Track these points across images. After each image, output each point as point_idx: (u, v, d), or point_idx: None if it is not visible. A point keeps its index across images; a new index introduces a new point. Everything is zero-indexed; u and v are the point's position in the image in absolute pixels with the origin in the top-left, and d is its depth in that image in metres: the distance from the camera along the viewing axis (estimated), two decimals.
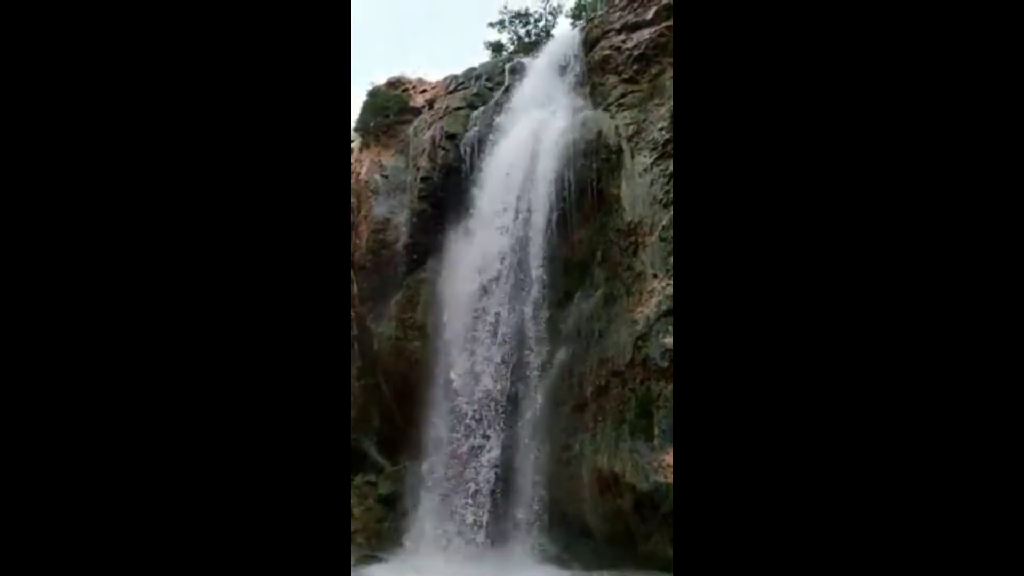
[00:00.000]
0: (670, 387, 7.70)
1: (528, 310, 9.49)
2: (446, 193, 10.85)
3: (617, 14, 10.16)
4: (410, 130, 12.00)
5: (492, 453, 9.28)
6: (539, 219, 9.55)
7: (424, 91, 12.51)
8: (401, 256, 11.31)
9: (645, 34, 9.69)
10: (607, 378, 8.55)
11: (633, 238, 8.88)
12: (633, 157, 9.22)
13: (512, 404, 9.33)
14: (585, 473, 8.53)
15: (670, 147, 8.76)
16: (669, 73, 9.15)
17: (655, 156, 8.99)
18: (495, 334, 9.62)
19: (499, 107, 11.05)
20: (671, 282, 8.09)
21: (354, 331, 11.14)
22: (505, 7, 14.04)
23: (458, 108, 11.49)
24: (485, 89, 11.66)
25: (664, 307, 8.13)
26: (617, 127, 9.48)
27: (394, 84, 12.80)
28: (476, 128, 10.97)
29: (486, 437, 9.35)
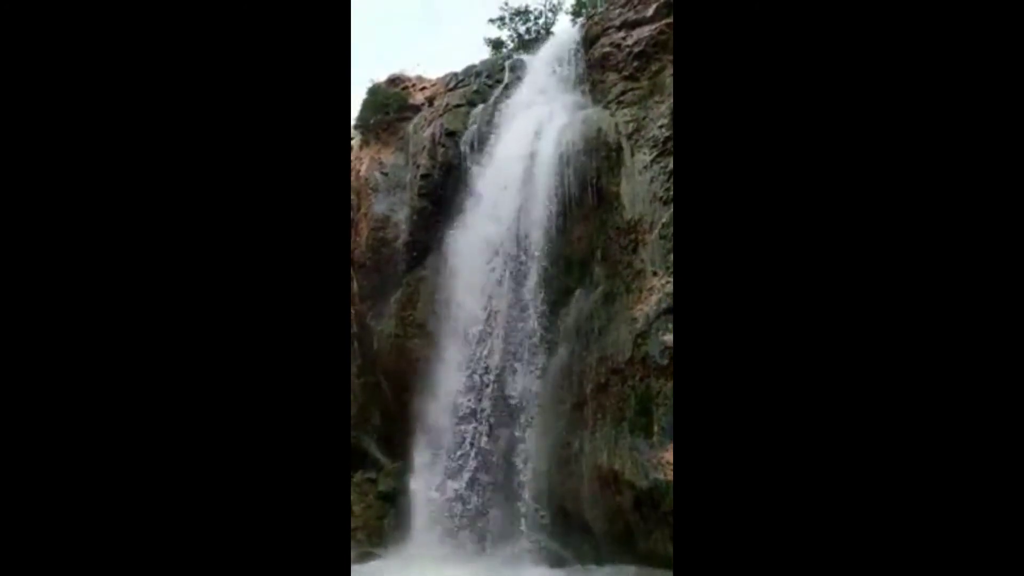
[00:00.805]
0: (670, 385, 7.70)
1: (528, 307, 9.49)
2: (446, 190, 10.84)
3: (617, 11, 10.16)
4: (410, 127, 11.97)
5: (492, 450, 9.28)
6: (539, 216, 9.54)
7: (424, 88, 12.47)
8: (401, 254, 11.29)
9: (645, 31, 9.69)
10: (607, 376, 8.55)
11: (633, 235, 8.88)
12: (633, 154, 9.22)
13: (512, 402, 9.33)
14: (585, 471, 8.53)
15: (670, 144, 8.75)
16: (669, 70, 9.15)
17: (655, 153, 8.99)
18: (494, 332, 9.62)
19: (499, 104, 11.03)
20: (671, 280, 8.09)
21: (354, 329, 11.14)
22: (505, 4, 14.02)
23: (458, 105, 11.46)
24: (485, 86, 11.63)
25: (664, 305, 8.13)
26: (617, 124, 9.47)
27: (394, 81, 12.77)
28: (476, 125, 10.96)
29: (486, 435, 9.36)
